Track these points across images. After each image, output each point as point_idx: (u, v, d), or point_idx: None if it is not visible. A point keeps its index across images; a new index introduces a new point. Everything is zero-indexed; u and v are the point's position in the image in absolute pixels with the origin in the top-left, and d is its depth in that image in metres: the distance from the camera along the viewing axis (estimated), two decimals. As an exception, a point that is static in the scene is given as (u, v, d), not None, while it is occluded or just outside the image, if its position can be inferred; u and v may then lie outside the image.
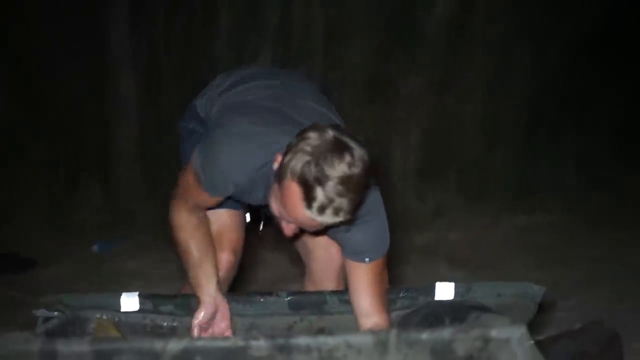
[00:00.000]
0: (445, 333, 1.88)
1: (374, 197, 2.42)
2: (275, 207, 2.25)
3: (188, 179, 2.48)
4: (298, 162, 2.11)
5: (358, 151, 2.12)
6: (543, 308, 4.01)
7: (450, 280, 2.65)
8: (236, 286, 2.87)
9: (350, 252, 2.45)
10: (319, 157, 2.09)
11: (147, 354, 1.83)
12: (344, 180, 2.09)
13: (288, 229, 2.28)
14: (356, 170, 2.11)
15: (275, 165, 2.22)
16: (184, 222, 2.54)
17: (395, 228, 6.18)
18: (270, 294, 2.61)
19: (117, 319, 2.54)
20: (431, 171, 6.63)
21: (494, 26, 6.72)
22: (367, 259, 2.43)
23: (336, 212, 2.11)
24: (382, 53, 6.56)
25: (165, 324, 2.57)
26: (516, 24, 6.75)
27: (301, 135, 2.15)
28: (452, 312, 2.40)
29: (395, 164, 6.53)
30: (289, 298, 2.61)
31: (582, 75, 6.93)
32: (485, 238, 5.99)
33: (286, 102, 2.53)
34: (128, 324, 2.55)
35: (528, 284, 2.57)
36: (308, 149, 2.11)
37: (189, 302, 2.55)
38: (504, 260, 5.47)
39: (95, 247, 5.77)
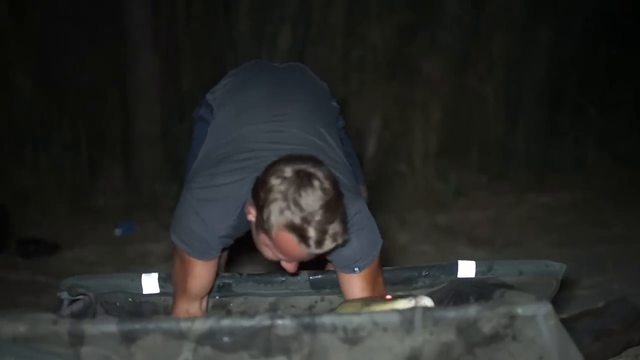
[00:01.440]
0: (471, 310, 1.87)
1: (355, 207, 2.38)
2: (269, 254, 2.24)
3: (178, 260, 2.46)
4: (276, 212, 2.10)
5: (321, 173, 2.13)
6: (565, 286, 4.01)
7: (472, 259, 2.64)
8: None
9: (339, 265, 2.44)
10: (293, 199, 2.09)
11: (173, 334, 1.84)
12: (326, 207, 2.10)
13: (290, 267, 2.28)
14: (330, 191, 2.12)
15: (251, 217, 2.23)
16: None
17: (417, 207, 6.22)
18: (292, 275, 2.60)
19: (139, 301, 2.56)
20: (453, 151, 6.62)
21: (515, 5, 6.69)
22: (356, 269, 2.41)
23: (334, 238, 2.13)
24: (403, 33, 6.54)
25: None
26: (537, 2, 6.71)
27: (263, 185, 2.14)
28: (476, 290, 2.40)
29: (417, 143, 6.53)
30: (310, 277, 2.61)
31: (604, 52, 6.89)
32: (507, 217, 5.97)
33: (270, 134, 2.50)
34: (150, 305, 2.57)
35: (549, 261, 2.56)
36: (279, 196, 2.10)
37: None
38: (526, 239, 5.45)
39: (117, 230, 5.79)
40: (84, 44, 6.35)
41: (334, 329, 1.85)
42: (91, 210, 6.21)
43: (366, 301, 2.29)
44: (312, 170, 2.13)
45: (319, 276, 2.63)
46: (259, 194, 2.15)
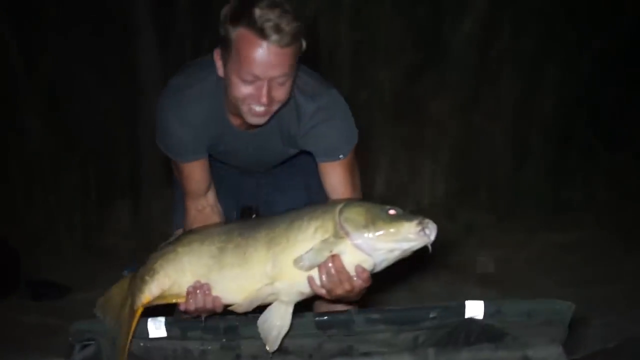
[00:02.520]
0: (484, 351, 1.86)
1: (332, 93, 2.48)
2: (241, 88, 2.27)
3: (173, 165, 2.62)
4: (227, 13, 2.23)
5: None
6: (577, 325, 3.99)
7: (481, 299, 2.63)
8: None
9: (323, 154, 2.52)
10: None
11: None
12: (274, 2, 2.19)
13: (263, 94, 2.28)
14: (285, 1, 2.22)
15: (219, 67, 2.32)
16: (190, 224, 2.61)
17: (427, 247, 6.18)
18: (295, 314, 2.60)
19: (149, 346, 2.55)
20: (461, 190, 6.61)
21: (521, 42, 6.71)
22: (341, 156, 2.50)
23: (276, 28, 2.15)
24: (409, 73, 6.57)
25: (194, 348, 2.56)
26: (544, 39, 6.73)
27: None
28: (486, 331, 2.39)
29: (425, 184, 6.53)
30: (315, 318, 2.60)
31: (613, 90, 6.90)
32: (517, 256, 5.95)
33: None
34: (160, 351, 2.56)
35: (557, 301, 2.53)
36: (231, 5, 2.25)
37: (218, 326, 2.55)
38: (536, 278, 5.42)
39: (125, 272, 5.78)
40: (93, 85, 6.39)
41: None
42: (101, 251, 6.22)
43: (370, 215, 2.21)
44: None
45: (325, 316, 2.61)
46: (219, 29, 2.25)
